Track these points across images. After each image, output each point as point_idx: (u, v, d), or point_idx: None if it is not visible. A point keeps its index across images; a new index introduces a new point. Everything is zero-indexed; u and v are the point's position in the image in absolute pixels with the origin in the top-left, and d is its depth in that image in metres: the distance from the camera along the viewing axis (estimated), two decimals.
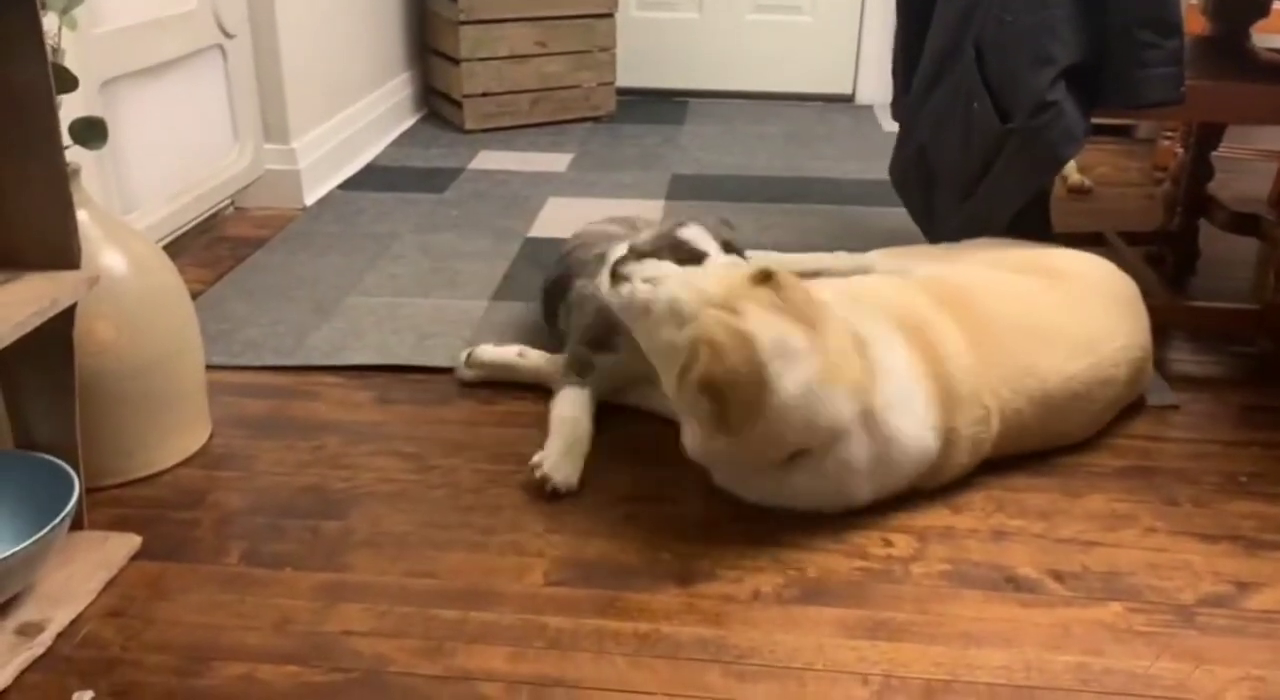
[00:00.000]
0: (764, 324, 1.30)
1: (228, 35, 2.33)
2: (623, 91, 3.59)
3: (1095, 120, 1.72)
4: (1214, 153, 2.21)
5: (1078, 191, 2.80)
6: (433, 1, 3.36)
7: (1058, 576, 1.31)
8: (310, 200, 2.62)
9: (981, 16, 1.75)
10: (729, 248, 1.60)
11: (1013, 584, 1.30)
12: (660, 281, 1.41)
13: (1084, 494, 1.48)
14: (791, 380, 1.29)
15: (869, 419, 1.34)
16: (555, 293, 1.79)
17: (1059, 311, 1.55)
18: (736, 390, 1.28)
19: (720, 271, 1.42)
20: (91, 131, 1.37)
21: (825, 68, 3.78)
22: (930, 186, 1.97)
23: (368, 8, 3.06)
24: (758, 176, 2.90)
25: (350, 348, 1.85)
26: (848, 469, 1.36)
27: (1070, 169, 2.84)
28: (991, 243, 1.74)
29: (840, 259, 1.93)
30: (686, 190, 2.76)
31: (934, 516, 1.42)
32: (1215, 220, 2.18)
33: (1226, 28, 2.10)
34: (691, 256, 1.53)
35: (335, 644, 1.18)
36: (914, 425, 1.37)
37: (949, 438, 1.41)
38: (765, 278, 1.34)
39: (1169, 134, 2.94)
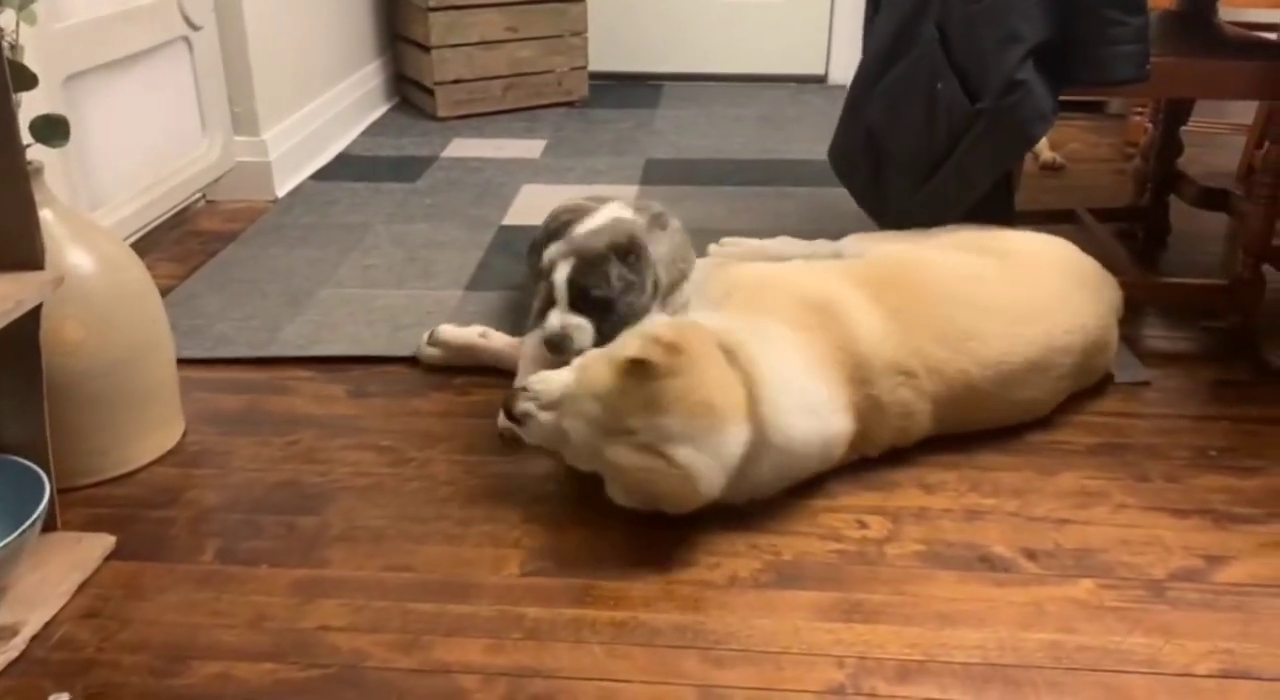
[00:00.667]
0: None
1: (193, 27, 2.31)
2: (596, 76, 3.58)
3: (1066, 96, 1.73)
4: (1184, 128, 2.23)
5: (1050, 168, 2.81)
6: None
7: (1031, 555, 1.32)
8: (282, 192, 2.60)
9: None
10: (626, 251, 1.59)
11: (986, 563, 1.31)
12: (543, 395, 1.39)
13: (1056, 471, 1.50)
14: (684, 456, 1.28)
15: (761, 428, 1.33)
16: (537, 254, 1.80)
17: (1004, 284, 1.57)
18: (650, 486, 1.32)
19: (595, 365, 1.36)
20: (52, 129, 1.35)
21: (798, 49, 3.78)
22: (879, 168, 1.97)
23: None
24: (732, 160, 2.89)
25: (324, 340, 1.85)
26: (754, 470, 1.36)
27: (1042, 146, 2.85)
28: (958, 228, 1.75)
29: (817, 246, 1.93)
30: (661, 175, 2.75)
31: (908, 497, 1.43)
32: (1185, 196, 2.19)
33: (1193, 3, 2.11)
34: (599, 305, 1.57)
35: (312, 640, 1.18)
36: (810, 417, 1.38)
37: (869, 407, 1.43)
38: (636, 365, 1.30)
39: (1139, 110, 2.96)
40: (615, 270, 1.58)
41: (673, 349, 1.29)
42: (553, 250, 1.61)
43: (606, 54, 3.69)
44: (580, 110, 3.41)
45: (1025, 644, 1.18)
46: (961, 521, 1.39)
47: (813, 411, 1.38)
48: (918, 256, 1.62)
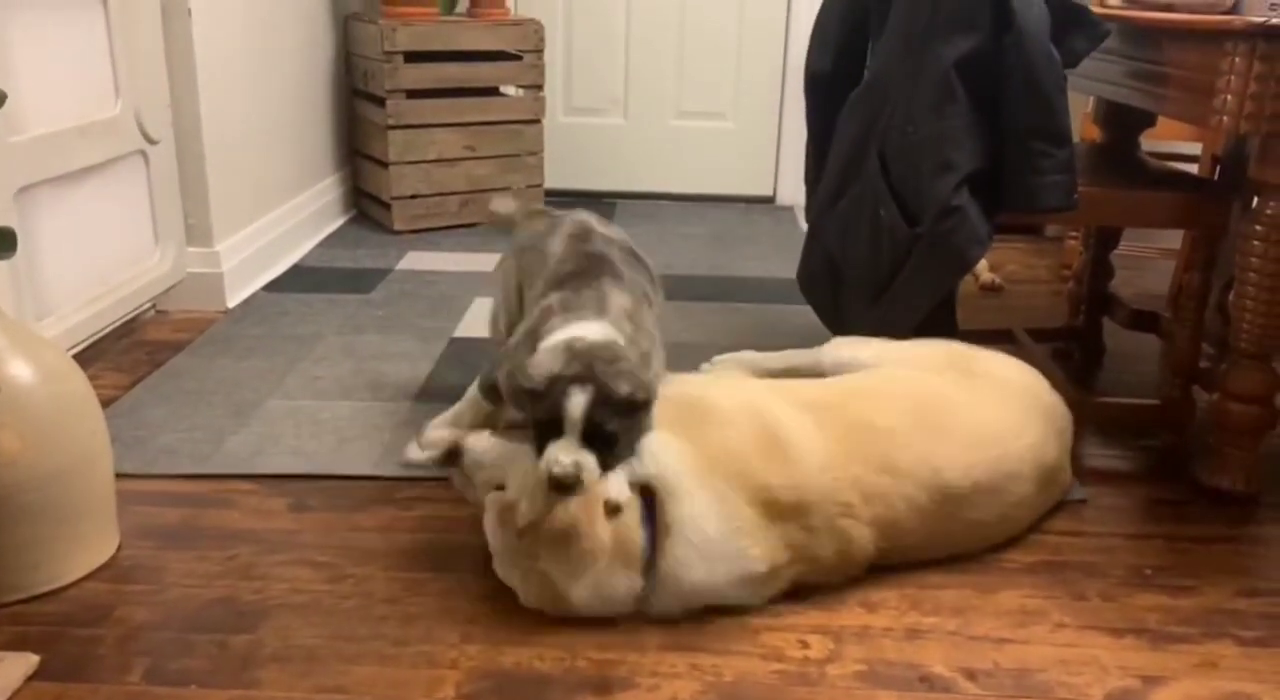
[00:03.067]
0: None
1: (151, 141, 2.35)
2: (551, 193, 3.66)
3: (1006, 219, 1.80)
4: (1115, 252, 2.32)
5: (988, 289, 2.90)
6: (362, 107, 3.42)
7: (970, 675, 1.32)
8: (233, 302, 2.61)
9: (884, 128, 1.83)
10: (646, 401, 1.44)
11: (926, 683, 1.30)
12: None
13: (996, 590, 1.51)
14: (572, 593, 1.38)
15: (661, 578, 1.38)
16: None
17: (962, 407, 1.59)
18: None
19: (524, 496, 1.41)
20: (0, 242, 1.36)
21: (747, 171, 3.90)
22: (838, 290, 2.03)
23: (296, 113, 3.10)
24: (684, 276, 2.95)
25: (268, 453, 1.83)
26: (658, 602, 1.42)
27: (981, 267, 2.94)
28: (934, 342, 1.78)
29: (795, 355, 1.95)
30: None
31: (849, 616, 1.43)
32: (1117, 318, 2.27)
33: (1117, 135, 2.22)
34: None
35: None
36: (723, 563, 1.39)
37: (804, 539, 1.43)
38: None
39: (1074, 234, 3.07)
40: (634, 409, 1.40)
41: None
42: (559, 369, 1.39)
43: (562, 172, 3.78)
44: None
45: None
46: (902, 640, 1.39)
47: (727, 558, 1.39)
48: (874, 381, 1.64)
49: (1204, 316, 1.88)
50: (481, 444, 1.51)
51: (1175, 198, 1.84)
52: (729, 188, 3.90)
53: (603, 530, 1.36)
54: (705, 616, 1.40)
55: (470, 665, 1.32)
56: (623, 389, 1.36)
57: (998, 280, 2.92)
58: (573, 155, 3.83)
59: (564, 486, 1.35)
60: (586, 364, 1.38)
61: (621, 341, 1.46)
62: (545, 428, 1.38)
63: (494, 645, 1.35)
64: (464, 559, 1.54)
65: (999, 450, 1.56)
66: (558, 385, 1.37)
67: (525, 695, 1.26)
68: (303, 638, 1.36)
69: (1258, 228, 1.66)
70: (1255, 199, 1.68)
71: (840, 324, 2.07)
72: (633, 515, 1.38)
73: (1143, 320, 2.21)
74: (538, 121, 3.48)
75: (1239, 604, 1.49)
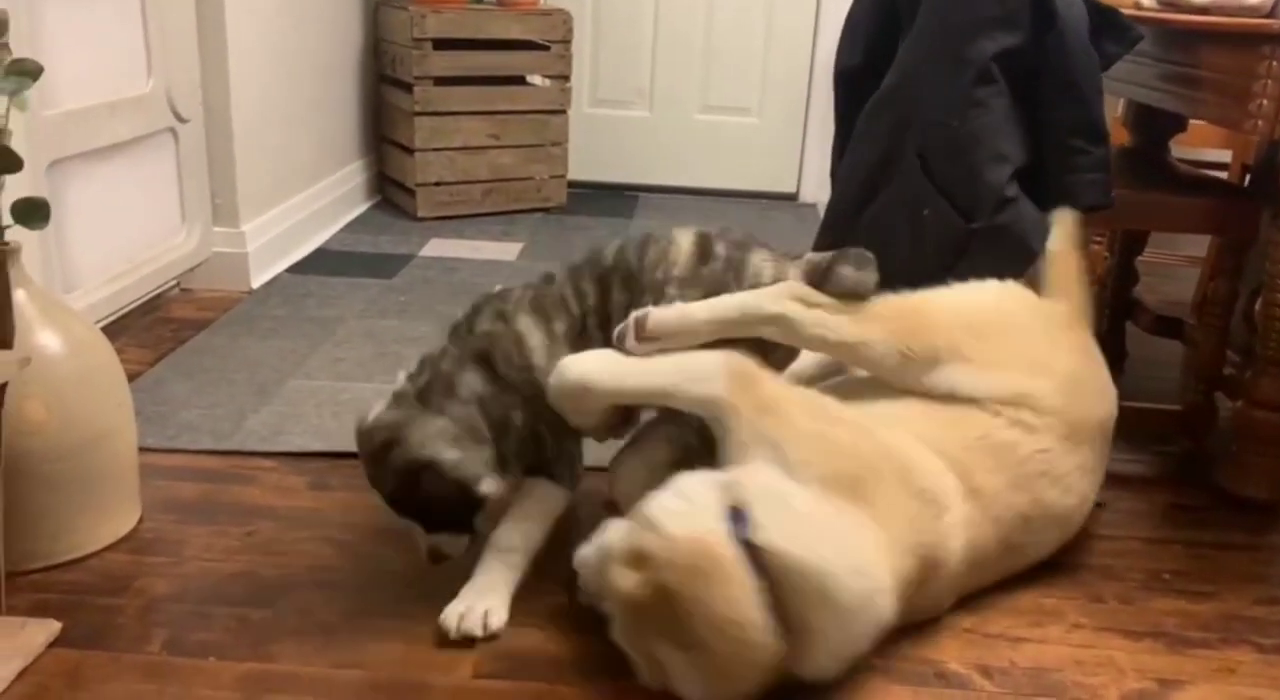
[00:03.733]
0: None
1: (181, 119, 2.36)
2: (574, 184, 3.66)
3: None
4: (1140, 258, 2.31)
5: None
6: (389, 93, 3.43)
7: (986, 672, 1.32)
8: (257, 283, 2.62)
9: (920, 126, 1.81)
10: None
11: (941, 679, 1.30)
12: None
13: (1013, 589, 1.50)
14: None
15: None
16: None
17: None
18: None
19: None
20: (33, 212, 1.37)
21: (771, 167, 3.89)
22: None
23: (324, 97, 3.11)
24: None
25: (289, 432, 1.84)
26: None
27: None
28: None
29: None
30: None
31: None
32: (1140, 323, 2.26)
33: (1147, 139, 2.21)
34: None
35: None
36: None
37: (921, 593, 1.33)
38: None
39: (1098, 239, 3.05)
40: None
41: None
42: None
43: (586, 164, 3.78)
44: (557, 216, 3.48)
45: None
46: (918, 636, 1.38)
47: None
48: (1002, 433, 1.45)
49: (1229, 323, 1.87)
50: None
51: (1205, 203, 1.83)
52: (752, 184, 3.89)
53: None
54: None
55: (486, 648, 1.32)
56: None
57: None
58: (597, 147, 3.83)
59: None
60: None
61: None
62: None
63: (512, 627, 1.36)
64: (482, 542, 1.54)
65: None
66: None
67: (542, 676, 1.27)
68: (321, 614, 1.37)
69: None
70: None
71: None
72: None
73: (1166, 326, 2.20)
74: (563, 112, 3.48)
75: (1258, 611, 1.48)
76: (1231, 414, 1.82)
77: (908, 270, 1.87)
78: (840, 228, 2.02)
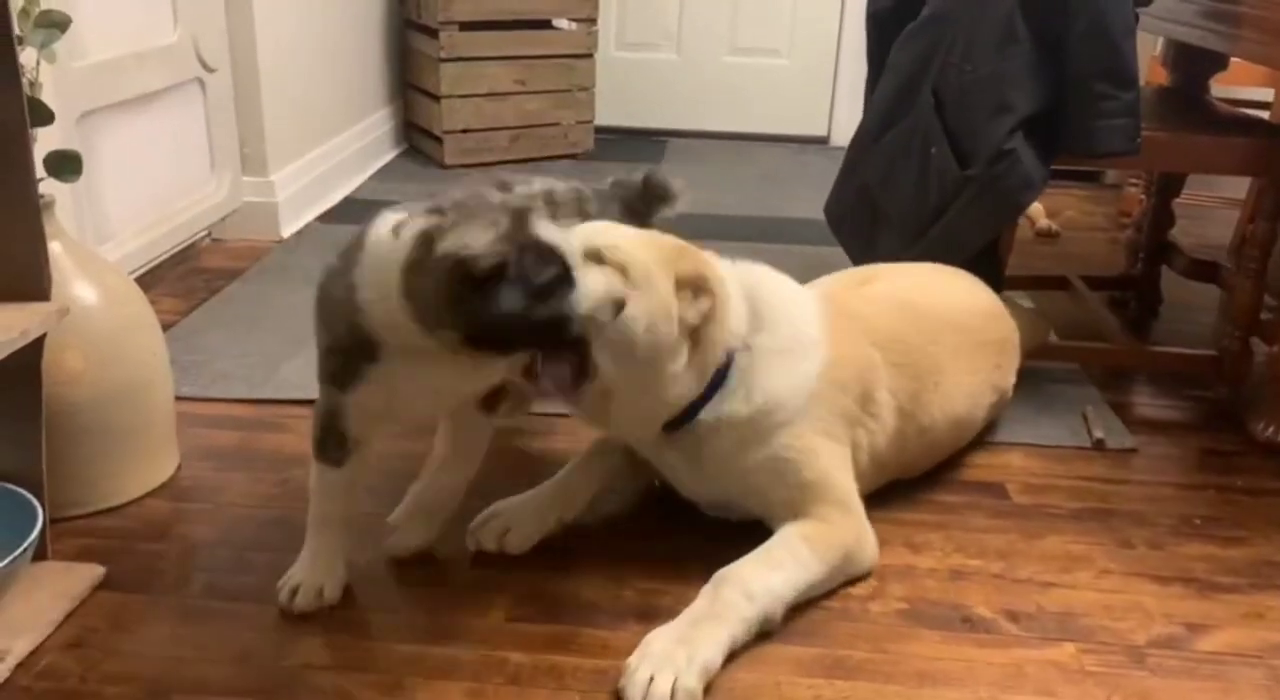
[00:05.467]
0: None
1: (208, 69, 2.36)
2: (602, 130, 3.64)
3: (1064, 165, 1.77)
4: (1177, 200, 2.27)
5: (1045, 235, 2.85)
6: (414, 39, 3.40)
7: (1013, 616, 1.33)
8: (287, 233, 2.63)
9: (940, 64, 1.79)
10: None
11: (968, 624, 1.31)
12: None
13: (1041, 535, 1.51)
14: None
15: None
16: None
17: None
18: None
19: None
20: (66, 164, 1.39)
21: (801, 110, 3.84)
22: (874, 225, 2.00)
23: (349, 44, 3.10)
24: (734, 216, 2.93)
25: None
26: None
27: (1038, 213, 2.89)
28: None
29: None
30: (661, 229, 2.78)
31: (894, 555, 1.44)
32: (1176, 267, 2.23)
33: (1185, 79, 2.16)
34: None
35: (296, 678, 1.18)
36: None
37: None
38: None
39: (1134, 181, 3.00)
40: None
41: None
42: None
43: (613, 109, 3.75)
44: (585, 162, 3.46)
45: None
46: (945, 581, 1.39)
47: None
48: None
49: (1267, 267, 1.84)
50: None
51: (1244, 143, 1.79)
52: (782, 127, 3.85)
53: None
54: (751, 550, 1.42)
55: (519, 590, 1.34)
56: None
57: (1054, 227, 2.87)
58: (624, 91, 3.79)
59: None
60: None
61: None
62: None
63: (543, 571, 1.38)
64: (513, 490, 1.56)
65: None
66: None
67: (571, 620, 1.29)
68: (357, 558, 1.39)
69: None
70: None
71: (872, 261, 2.04)
72: None
73: (1203, 270, 2.17)
74: (590, 56, 3.45)
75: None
76: (1267, 359, 1.80)
77: (908, 206, 1.87)
78: (857, 151, 2.02)
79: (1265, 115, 2.58)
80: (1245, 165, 1.82)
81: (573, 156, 3.49)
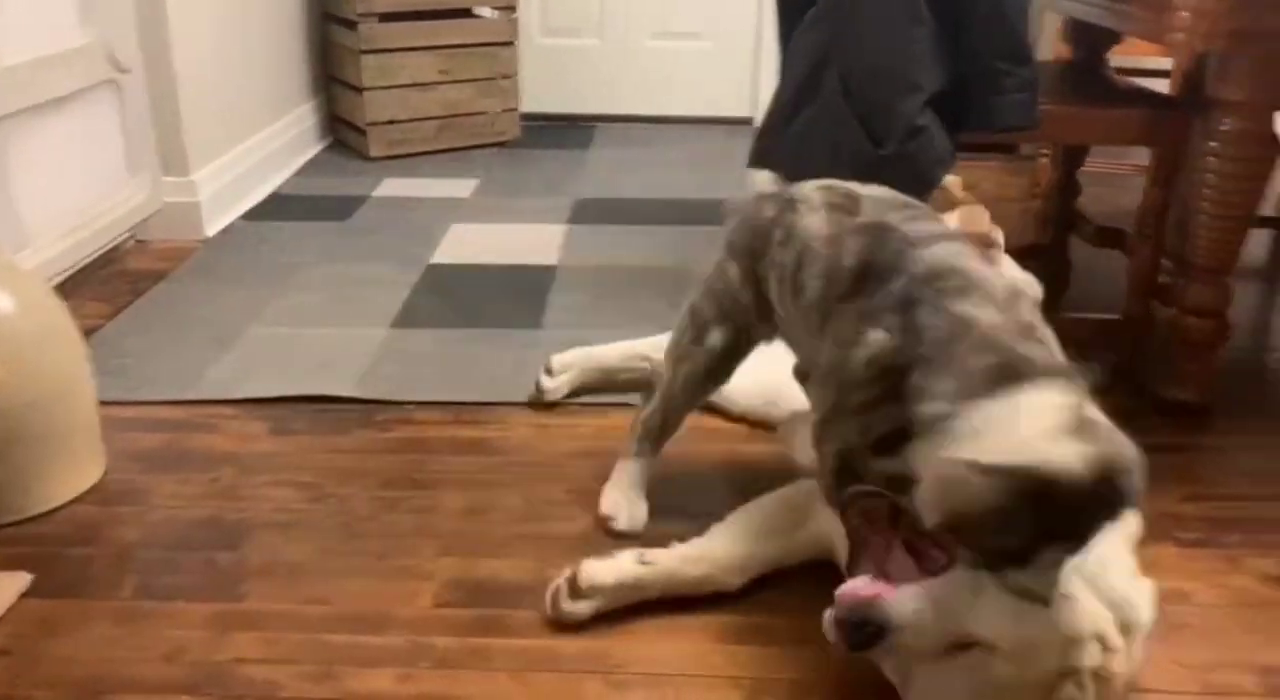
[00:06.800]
0: None
1: (121, 70, 2.34)
2: (529, 117, 3.65)
3: (979, 139, 1.83)
4: (1092, 169, 2.34)
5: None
6: (334, 32, 3.39)
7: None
8: (211, 232, 2.62)
9: (840, 49, 1.84)
10: None
11: None
12: None
13: None
14: None
15: None
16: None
17: None
18: None
19: None
20: None
21: (726, 92, 3.88)
22: None
23: (268, 39, 3.08)
24: (662, 199, 2.97)
25: (249, 379, 1.87)
26: None
27: (955, 186, 2.95)
28: None
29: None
30: (590, 215, 2.82)
31: None
32: (1083, 235, 2.31)
33: (1085, 53, 2.23)
34: None
35: (227, 672, 1.21)
36: None
37: None
38: None
39: (1046, 152, 3.08)
40: None
41: None
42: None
43: (540, 96, 3.77)
44: (512, 151, 3.48)
45: None
46: None
47: None
48: None
49: (1164, 233, 1.92)
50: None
51: (1136, 115, 1.86)
52: (709, 110, 3.89)
53: None
54: (675, 532, 1.47)
55: (446, 577, 1.38)
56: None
57: (971, 200, 2.94)
58: (550, 78, 3.81)
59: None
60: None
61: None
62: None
63: (469, 558, 1.41)
64: (440, 478, 1.59)
65: None
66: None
67: (498, 602, 1.33)
68: (287, 554, 1.42)
69: (1213, 144, 1.69)
70: (1212, 116, 1.70)
71: None
72: None
73: (1108, 237, 2.24)
74: (511, 44, 3.46)
75: (1184, 509, 1.55)
76: (1165, 321, 1.87)
77: None
78: (769, 140, 2.06)
79: (1166, 83, 2.67)
80: (1138, 136, 1.90)
81: (500, 145, 3.51)
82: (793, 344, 1.42)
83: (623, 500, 1.48)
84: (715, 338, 1.43)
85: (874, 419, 1.14)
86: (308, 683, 1.19)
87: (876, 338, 1.16)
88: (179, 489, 1.56)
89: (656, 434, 1.51)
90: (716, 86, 3.88)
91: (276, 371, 1.90)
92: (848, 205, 1.33)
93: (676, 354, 1.48)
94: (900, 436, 1.10)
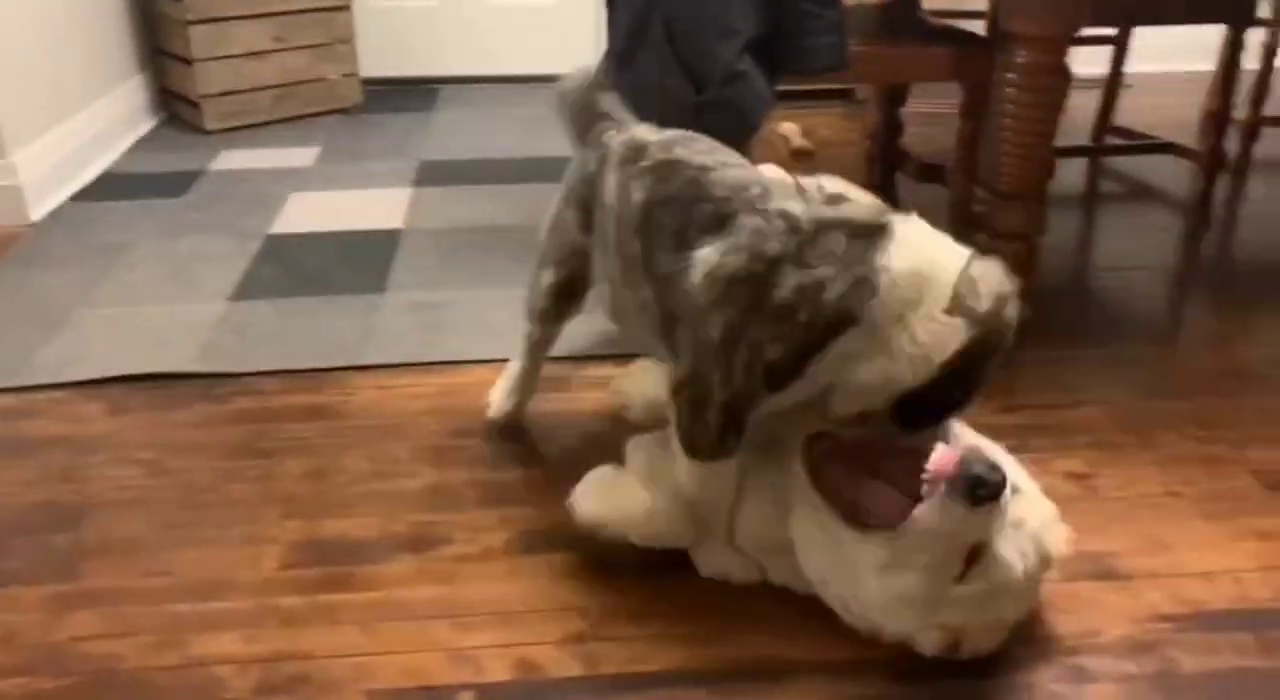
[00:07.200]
0: None
1: None
2: (371, 82, 3.59)
3: (823, 86, 1.89)
4: (920, 110, 2.43)
5: (801, 154, 3.01)
6: (158, 2, 3.26)
7: None
8: (38, 215, 2.52)
9: None
10: None
11: None
12: None
13: None
14: None
15: None
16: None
17: None
18: None
19: None
20: None
21: (567, 49, 3.86)
22: None
23: (86, 13, 2.94)
24: (506, 159, 2.97)
25: (81, 362, 1.82)
26: None
27: (793, 132, 3.05)
28: None
29: None
30: (435, 176, 2.81)
31: None
32: (908, 171, 2.41)
33: None
34: None
35: (64, 650, 1.19)
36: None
37: None
38: None
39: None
40: None
41: None
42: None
43: (380, 60, 3.70)
44: (355, 116, 3.42)
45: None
46: None
47: None
48: None
49: (976, 164, 2.02)
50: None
51: (943, 53, 1.95)
52: (551, 67, 3.84)
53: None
54: (524, 479, 1.50)
55: (291, 539, 1.38)
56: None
57: (809, 145, 3.03)
58: (389, 41, 3.74)
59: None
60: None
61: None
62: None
63: (313, 520, 1.42)
64: (282, 445, 1.59)
65: None
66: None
67: (344, 559, 1.34)
68: (126, 531, 1.40)
69: (1010, 76, 1.79)
70: (1009, 50, 1.80)
71: None
72: None
73: (929, 172, 2.35)
74: (347, 8, 3.39)
75: (1000, 419, 1.65)
76: (981, 247, 1.98)
77: None
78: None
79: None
80: (946, 73, 1.99)
81: (343, 111, 3.44)
82: (618, 312, 1.42)
83: (497, 394, 1.62)
84: (547, 277, 1.50)
85: (750, 345, 1.14)
86: (151, 652, 1.19)
87: (704, 254, 1.17)
88: (8, 475, 1.52)
89: (534, 346, 1.60)
90: (559, 44, 3.87)
91: (110, 352, 1.86)
92: (633, 156, 1.35)
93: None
94: (798, 356, 1.12)
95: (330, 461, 1.55)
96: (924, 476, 1.10)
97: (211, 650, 1.20)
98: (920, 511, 1.10)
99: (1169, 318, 2.16)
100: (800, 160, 2.98)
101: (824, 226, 1.14)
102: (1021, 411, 1.71)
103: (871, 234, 1.13)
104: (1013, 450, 1.56)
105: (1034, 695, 1.15)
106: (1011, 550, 1.14)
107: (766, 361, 1.13)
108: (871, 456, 1.18)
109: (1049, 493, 1.47)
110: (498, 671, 1.17)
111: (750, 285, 1.13)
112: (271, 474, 1.52)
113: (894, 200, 2.47)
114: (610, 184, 1.35)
